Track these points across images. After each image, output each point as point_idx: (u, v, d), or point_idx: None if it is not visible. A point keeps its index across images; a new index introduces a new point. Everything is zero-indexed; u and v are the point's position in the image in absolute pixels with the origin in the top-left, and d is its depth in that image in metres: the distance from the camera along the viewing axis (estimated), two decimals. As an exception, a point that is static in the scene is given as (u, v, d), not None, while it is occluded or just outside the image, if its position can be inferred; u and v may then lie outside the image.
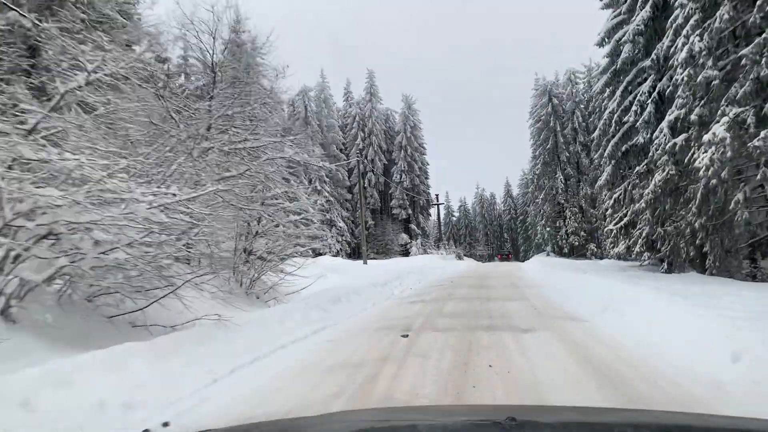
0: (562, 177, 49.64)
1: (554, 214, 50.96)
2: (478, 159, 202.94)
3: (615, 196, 30.85)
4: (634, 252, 28.15)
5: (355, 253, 57.64)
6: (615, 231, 30.50)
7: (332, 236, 51.32)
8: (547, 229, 50.50)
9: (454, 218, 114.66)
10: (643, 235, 25.26)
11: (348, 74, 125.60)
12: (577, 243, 49.07)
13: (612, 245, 38.41)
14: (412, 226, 57.63)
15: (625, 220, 29.39)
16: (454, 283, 20.49)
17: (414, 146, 57.29)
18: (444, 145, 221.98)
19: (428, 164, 62.50)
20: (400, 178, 56.50)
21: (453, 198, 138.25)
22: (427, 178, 62.05)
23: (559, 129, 50.42)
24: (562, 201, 49.66)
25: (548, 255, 52.74)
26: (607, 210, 33.17)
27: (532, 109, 62.97)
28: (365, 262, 34.08)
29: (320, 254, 51.49)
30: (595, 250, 49.35)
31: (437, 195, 62.25)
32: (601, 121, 31.67)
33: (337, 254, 51.66)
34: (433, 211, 64.14)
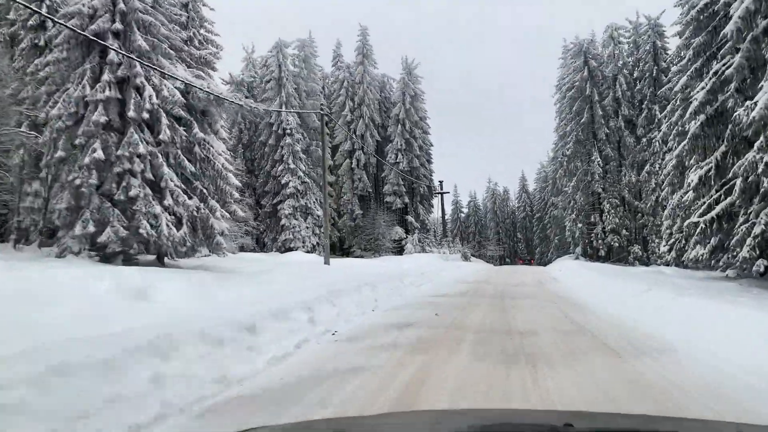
0: (599, 159, 38.91)
1: (588, 207, 40.25)
2: (491, 153, 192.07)
3: (700, 173, 20.68)
4: (740, 256, 17.89)
5: (337, 248, 47.23)
6: (701, 225, 20.39)
7: (307, 227, 40.94)
8: (579, 225, 39.79)
9: (463, 214, 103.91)
10: (757, 232, 16.27)
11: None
12: (617, 244, 38.35)
13: (676, 245, 29.10)
14: (410, 218, 47.09)
15: (718, 208, 19.32)
16: (448, 312, 9.89)
17: (414, 120, 46.68)
18: (454, 139, 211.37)
19: (431, 145, 51.93)
20: (396, 158, 45.97)
21: (462, 192, 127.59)
22: (429, 161, 51.41)
23: (597, 98, 39.65)
24: (599, 190, 38.92)
25: (577, 258, 42.08)
26: (683, 197, 22.86)
27: (559, 81, 52.16)
28: (327, 262, 23.67)
29: (290, 249, 41.20)
30: (640, 253, 38.59)
31: (441, 182, 51.75)
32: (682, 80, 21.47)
33: (312, 249, 41.35)
34: (436, 202, 53.61)
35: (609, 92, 39.89)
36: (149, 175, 16.33)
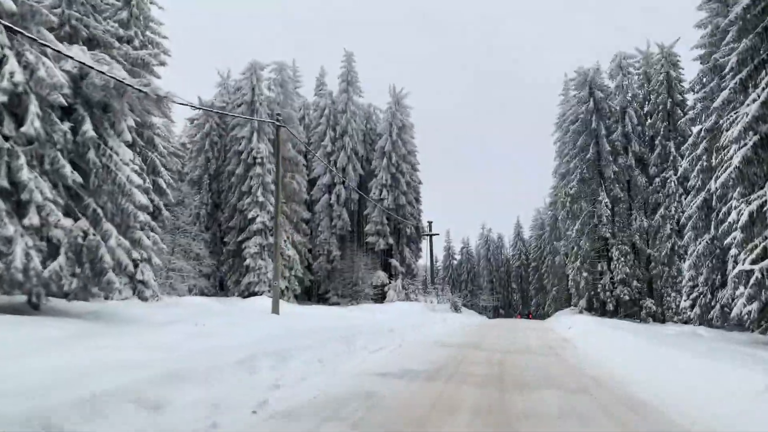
0: (607, 200, 34.43)
1: (594, 254, 35.52)
2: (484, 197, 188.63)
3: (751, 208, 16.35)
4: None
5: (309, 294, 42.14)
6: (756, 275, 15.72)
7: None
8: (584, 274, 34.96)
9: (455, 261, 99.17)
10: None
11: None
12: (627, 297, 33.46)
13: (700, 299, 24.51)
14: (394, 261, 42.18)
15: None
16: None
17: (401, 153, 42.37)
18: (446, 182, 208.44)
19: (420, 183, 47.49)
20: (380, 194, 41.41)
21: (455, 238, 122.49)
22: (418, 200, 46.86)
23: (603, 132, 35.51)
24: (607, 235, 34.28)
25: (581, 312, 37.11)
26: (732, 235, 18.55)
27: (559, 119, 48.40)
28: (275, 310, 18.73)
29: (254, 294, 36.06)
30: (654, 308, 33.69)
31: (430, 222, 47.07)
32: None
33: (281, 294, 36.20)
34: (425, 246, 48.82)
35: (617, 127, 35.80)
36: (2, 182, 11.55)
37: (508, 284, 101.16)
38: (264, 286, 35.54)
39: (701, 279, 26.14)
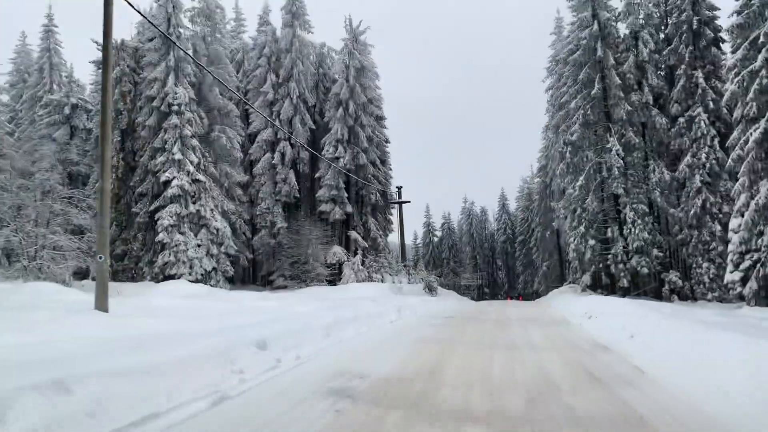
0: (618, 147, 26.89)
1: (602, 216, 28.13)
2: (467, 172, 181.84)
3: None
4: None
5: (249, 277, 34.47)
6: None
7: (199, 245, 28.19)
8: (590, 242, 27.52)
9: (436, 238, 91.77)
10: None
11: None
12: (645, 269, 26.15)
13: (757, 270, 21.85)
14: (354, 234, 34.48)
15: None
16: None
17: (360, 102, 34.45)
18: (427, 158, 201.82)
19: (388, 142, 39.77)
20: (335, 151, 33.54)
21: (435, 213, 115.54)
22: (385, 161, 39.16)
23: (611, 63, 27.90)
24: (619, 191, 26.78)
25: (584, 290, 29.96)
26: None
27: (551, 62, 41.16)
28: (101, 305, 10.82)
29: (170, 277, 28.08)
30: (680, 283, 26.55)
31: (399, 188, 39.28)
32: None
33: (206, 277, 28.53)
34: (398, 218, 41.14)
35: (628, 56, 28.18)
36: None
37: (492, 261, 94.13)
38: (184, 267, 27.74)
39: (763, 242, 18.83)
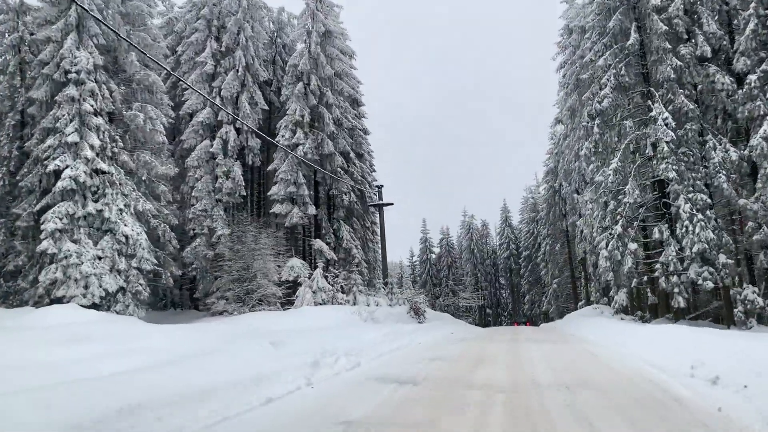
0: (666, 115, 19.47)
1: (644, 212, 20.66)
2: (467, 187, 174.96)
3: None
4: None
5: (175, 300, 26.99)
6: None
7: (100, 256, 20.84)
8: (630, 246, 19.91)
9: (434, 255, 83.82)
10: None
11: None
12: (710, 283, 18.58)
13: None
14: (318, 243, 26.98)
15: None
16: None
17: (326, 75, 27.26)
18: (425, 174, 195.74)
19: (367, 132, 32.60)
20: (293, 137, 26.27)
21: (433, 228, 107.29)
22: (361, 155, 31.94)
23: (652, 3, 20.65)
24: (669, 174, 19.23)
25: (617, 312, 22.60)
26: None
27: (563, 35, 34.28)
28: None
29: (57, 301, 20.19)
30: (761, 302, 19.01)
31: (380, 188, 31.79)
32: None
33: (108, 300, 21.07)
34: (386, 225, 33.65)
35: (672, -1, 21.00)
36: None
37: (495, 279, 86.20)
38: (75, 287, 20.29)
39: None
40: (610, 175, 20.28)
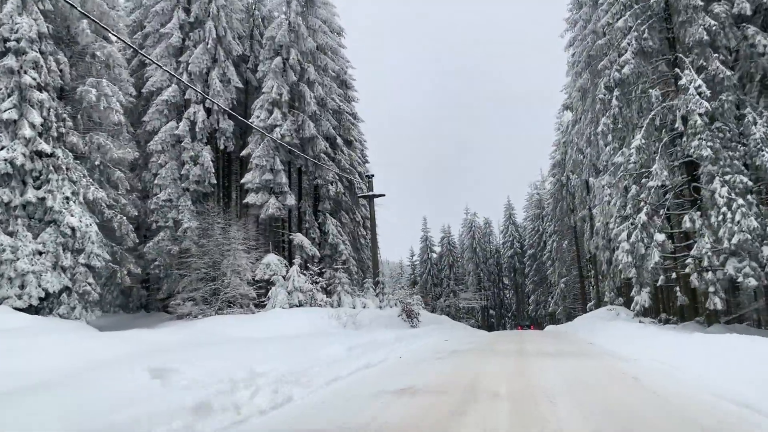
0: (699, 83, 16.49)
1: (672, 199, 17.69)
2: (469, 184, 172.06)
3: None
4: None
5: (134, 301, 24.10)
6: None
7: (42, 251, 17.97)
8: (657, 238, 16.93)
9: (435, 254, 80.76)
10: None
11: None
12: (753, 280, 15.60)
13: None
14: (298, 237, 24.05)
15: None
16: None
17: (307, 49, 24.36)
18: (426, 174, 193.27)
19: (357, 118, 29.69)
20: (269, 118, 23.36)
21: (434, 227, 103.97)
22: (350, 141, 29.03)
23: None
24: (703, 152, 16.26)
25: (637, 315, 19.64)
26: None
27: (573, 10, 31.30)
28: None
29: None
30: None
31: (370, 177, 28.80)
32: None
33: (48, 302, 18.22)
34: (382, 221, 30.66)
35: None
36: None
37: (499, 279, 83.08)
38: (9, 287, 17.45)
39: None
40: (632, 154, 17.28)
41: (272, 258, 22.42)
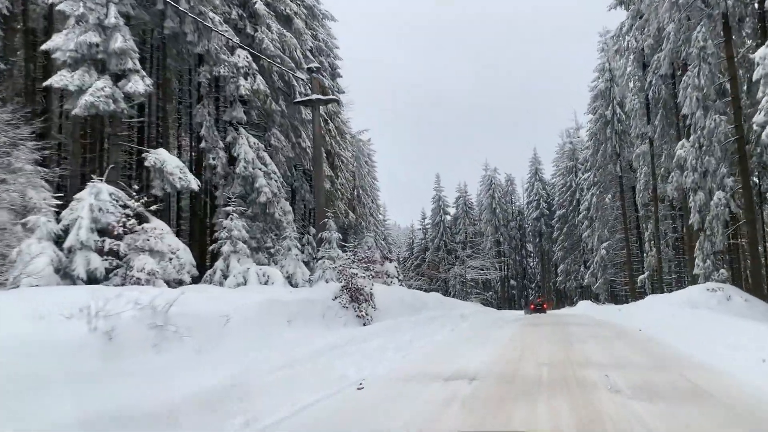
0: None
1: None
2: (488, 136, 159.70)
3: None
4: None
5: None
6: None
7: None
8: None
9: (449, 217, 69.82)
10: None
11: None
12: None
13: None
14: (154, 155, 13.43)
15: None
16: None
17: None
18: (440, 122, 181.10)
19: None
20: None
21: (448, 186, 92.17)
22: (286, 12, 18.08)
23: None
24: None
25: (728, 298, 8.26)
26: None
27: None
28: None
29: None
30: None
31: (313, 70, 17.88)
32: None
33: None
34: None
35: None
36: None
37: (521, 245, 71.69)
38: None
39: None
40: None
41: (102, 187, 11.79)
